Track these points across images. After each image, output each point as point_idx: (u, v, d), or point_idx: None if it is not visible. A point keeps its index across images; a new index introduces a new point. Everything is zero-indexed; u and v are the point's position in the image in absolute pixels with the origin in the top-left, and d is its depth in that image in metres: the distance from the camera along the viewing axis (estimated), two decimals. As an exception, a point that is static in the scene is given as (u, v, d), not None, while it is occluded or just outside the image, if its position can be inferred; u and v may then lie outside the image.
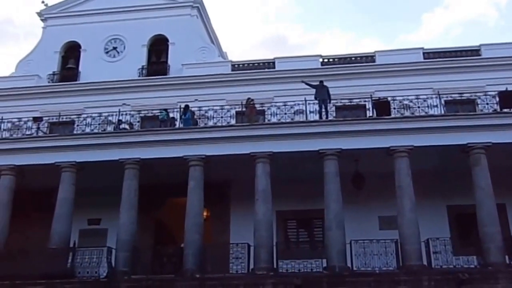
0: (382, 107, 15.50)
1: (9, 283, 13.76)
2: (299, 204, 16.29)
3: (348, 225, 14.07)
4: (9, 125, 17.14)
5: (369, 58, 20.23)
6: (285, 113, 16.20)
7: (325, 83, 16.35)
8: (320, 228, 16.12)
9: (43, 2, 22.92)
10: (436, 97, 15.82)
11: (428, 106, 15.72)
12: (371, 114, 16.24)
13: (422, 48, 20.13)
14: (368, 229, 15.30)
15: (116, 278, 13.92)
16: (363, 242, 13.99)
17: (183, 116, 16.40)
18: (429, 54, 20.01)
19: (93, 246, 14.82)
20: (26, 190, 15.80)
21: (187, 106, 16.59)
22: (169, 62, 21.32)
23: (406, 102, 16.01)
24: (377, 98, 16.25)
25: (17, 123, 17.16)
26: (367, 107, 17.19)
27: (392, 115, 15.32)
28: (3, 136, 16.62)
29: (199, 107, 16.97)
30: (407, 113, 15.80)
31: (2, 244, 14.85)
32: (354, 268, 13.76)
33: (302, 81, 16.40)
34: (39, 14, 22.94)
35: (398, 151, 14.29)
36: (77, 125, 17.61)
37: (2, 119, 17.09)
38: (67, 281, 13.91)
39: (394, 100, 15.77)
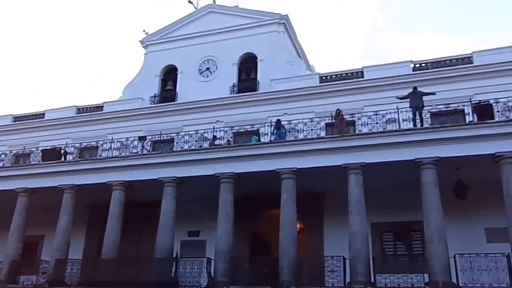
0: (484, 110, 14.50)
1: (122, 289, 14.97)
2: (395, 215, 15.74)
3: (450, 237, 13.31)
4: (118, 144, 18.80)
5: (465, 60, 19.12)
6: (377, 123, 15.88)
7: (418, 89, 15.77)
8: (419, 241, 15.46)
9: (144, 30, 25.24)
10: (547, 97, 14.51)
11: (538, 107, 14.46)
12: (471, 119, 15.26)
13: (526, 45, 18.58)
14: (474, 242, 14.37)
15: None
16: (469, 256, 13.12)
17: (275, 131, 16.71)
18: (536, 51, 18.37)
19: (194, 256, 15.61)
20: (134, 204, 17.19)
21: (279, 121, 16.91)
22: (258, 78, 22.01)
23: (511, 104, 14.86)
24: (477, 102, 15.27)
25: (125, 142, 18.77)
26: (466, 111, 16.21)
27: (496, 119, 14.29)
28: (114, 154, 18.28)
29: (289, 120, 17.26)
30: (513, 116, 14.66)
31: (115, 252, 16.23)
32: (460, 284, 12.92)
33: (397, 97, 15.90)
34: (141, 42, 25.09)
35: (505, 157, 13.28)
36: (176, 142, 18.85)
37: (112, 139, 18.86)
38: (172, 289, 14.79)
39: (497, 102, 14.71)
